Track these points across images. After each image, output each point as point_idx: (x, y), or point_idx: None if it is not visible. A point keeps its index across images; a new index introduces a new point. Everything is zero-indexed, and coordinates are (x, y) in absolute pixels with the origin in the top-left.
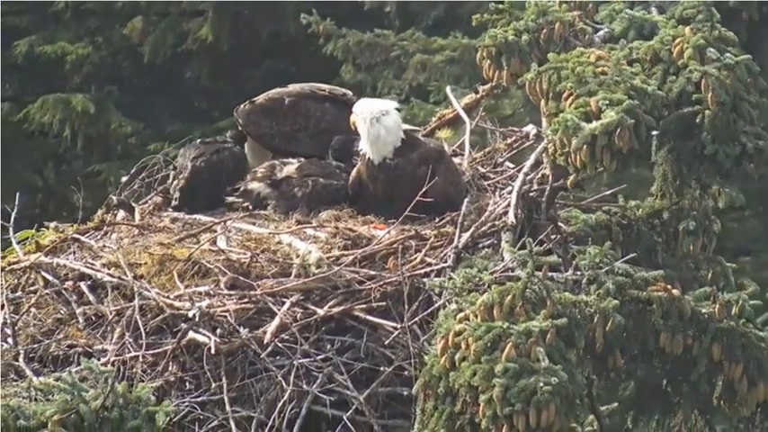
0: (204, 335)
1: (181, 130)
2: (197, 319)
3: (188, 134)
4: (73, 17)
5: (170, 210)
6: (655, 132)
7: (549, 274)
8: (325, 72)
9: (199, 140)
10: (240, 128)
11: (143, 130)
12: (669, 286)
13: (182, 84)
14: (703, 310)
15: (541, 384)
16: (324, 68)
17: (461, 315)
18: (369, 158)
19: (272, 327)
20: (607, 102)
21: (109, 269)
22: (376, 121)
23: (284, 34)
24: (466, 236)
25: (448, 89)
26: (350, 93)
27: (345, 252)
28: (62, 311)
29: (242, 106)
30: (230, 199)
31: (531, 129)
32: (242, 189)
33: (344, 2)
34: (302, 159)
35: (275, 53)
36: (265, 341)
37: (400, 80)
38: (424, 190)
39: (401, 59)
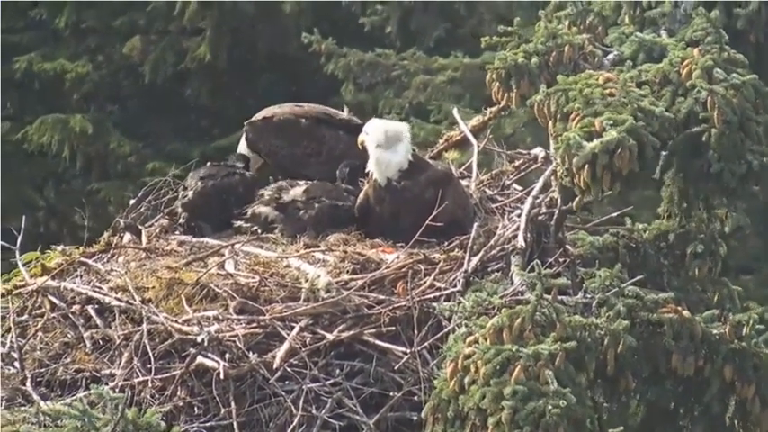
0: (213, 359)
1: (180, 149)
2: (206, 343)
3: (188, 153)
4: (72, 35)
5: (177, 231)
6: (663, 153)
7: (559, 297)
8: (326, 91)
9: (209, 163)
10: (247, 142)
11: (142, 149)
12: (679, 308)
13: (181, 102)
14: (714, 331)
15: (550, 407)
16: (324, 87)
17: (471, 338)
18: (376, 180)
19: (281, 351)
20: (611, 122)
21: (116, 293)
22: (385, 142)
23: (284, 53)
24: (475, 260)
25: (455, 111)
26: (358, 120)
27: (354, 276)
28: (69, 335)
29: (255, 120)
30: (238, 223)
31: (539, 151)
32: (250, 213)
33: (346, 22)
34: (309, 182)
35: (275, 71)
36: (274, 366)
37: (401, 99)
38: (433, 215)
39: (402, 79)
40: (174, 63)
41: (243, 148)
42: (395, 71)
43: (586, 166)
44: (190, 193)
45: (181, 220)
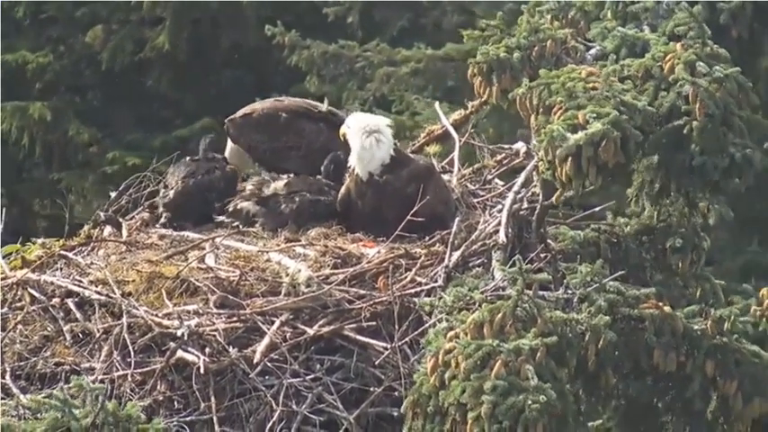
0: (193, 354)
1: (141, 139)
2: (186, 337)
3: (149, 142)
4: (32, 25)
5: (158, 226)
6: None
7: (540, 293)
8: (288, 82)
9: (189, 158)
10: (230, 138)
11: (103, 139)
12: (661, 303)
13: (143, 92)
14: (696, 327)
15: (530, 402)
16: (286, 79)
17: (452, 333)
18: (357, 174)
19: (261, 346)
20: (594, 115)
21: (96, 286)
22: (367, 136)
23: (245, 44)
24: (456, 255)
25: (437, 105)
26: (339, 112)
27: (335, 271)
28: (49, 329)
29: (236, 117)
30: (220, 218)
31: (520, 146)
32: (231, 209)
33: (308, 13)
34: (291, 175)
35: (236, 63)
36: (255, 360)
37: (364, 91)
38: (415, 209)
39: (365, 70)
40: (133, 52)
41: (227, 152)
42: (358, 62)
43: (570, 159)
44: (171, 193)
45: (162, 220)
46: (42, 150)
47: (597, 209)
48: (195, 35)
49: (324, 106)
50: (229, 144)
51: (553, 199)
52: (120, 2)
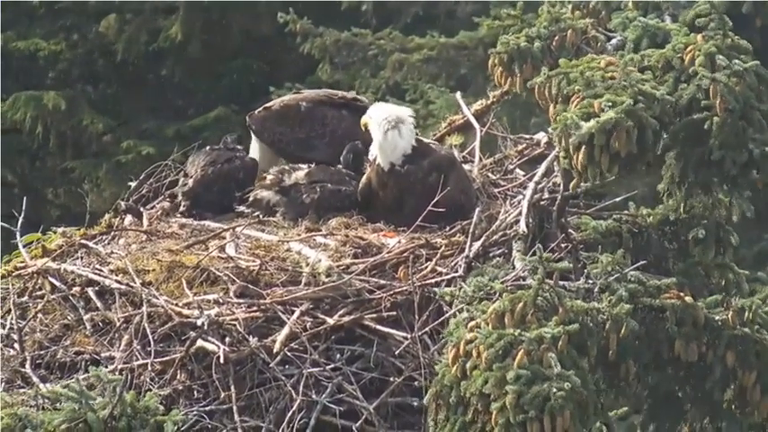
0: (213, 343)
1: (155, 128)
2: (206, 327)
3: (162, 131)
4: (47, 14)
5: (178, 215)
6: (665, 136)
7: (561, 282)
8: (301, 71)
9: (209, 147)
10: (253, 134)
11: (117, 128)
12: (682, 294)
13: (156, 81)
14: (717, 318)
15: (555, 390)
16: (298, 67)
17: (473, 323)
18: (379, 164)
19: (281, 336)
20: (610, 103)
21: (117, 275)
22: (390, 126)
23: (258, 33)
24: (477, 245)
25: (458, 95)
26: (365, 99)
27: (355, 261)
28: (69, 317)
29: (256, 112)
30: (240, 208)
31: (541, 136)
32: (252, 198)
33: (321, 1)
34: (312, 165)
35: (249, 52)
36: (275, 350)
37: (377, 79)
38: (436, 199)
39: (378, 58)
40: (147, 42)
41: (253, 151)
42: (371, 50)
43: (583, 147)
44: (190, 182)
45: (182, 209)
46: (56, 140)
47: (618, 199)
48: (207, 25)
49: (350, 94)
50: (254, 143)
51: (570, 187)
52: None
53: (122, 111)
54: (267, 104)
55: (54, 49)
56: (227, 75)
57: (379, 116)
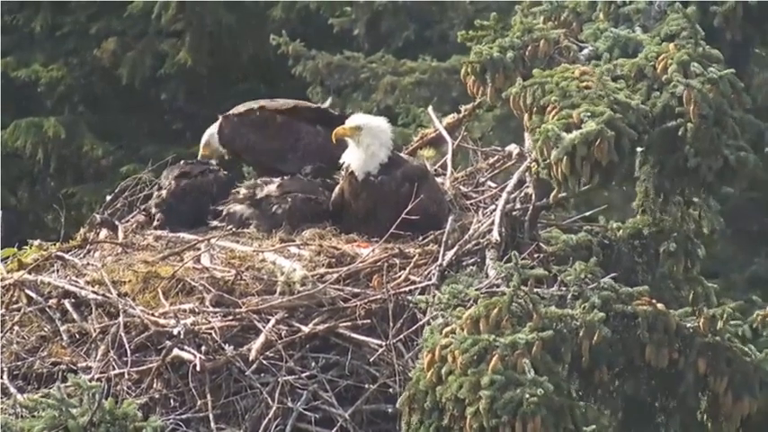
0: (189, 352)
1: (155, 151)
2: (182, 336)
3: (162, 155)
4: (48, 39)
5: (152, 228)
6: (639, 149)
7: (535, 289)
8: (296, 94)
9: (182, 162)
10: (222, 137)
11: (116, 152)
12: (654, 300)
13: (157, 105)
14: (688, 325)
15: (527, 396)
16: (300, 91)
17: (448, 329)
18: (352, 174)
19: (257, 344)
20: (589, 114)
21: (93, 287)
22: (368, 136)
23: (263, 56)
24: (450, 254)
25: (429, 108)
26: (336, 111)
27: (330, 270)
28: (46, 329)
29: (231, 115)
30: (214, 223)
31: (513, 148)
32: (224, 213)
33: (314, 23)
34: (285, 177)
35: (252, 75)
36: (250, 358)
37: (368, 102)
38: (408, 208)
39: (370, 81)
40: (152, 66)
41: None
42: (363, 73)
43: (565, 158)
44: (164, 193)
45: (156, 222)
46: (56, 165)
47: (588, 213)
48: (214, 49)
49: (322, 104)
50: (208, 131)
51: (550, 198)
52: (135, 15)
53: (121, 134)
54: (241, 110)
55: (54, 75)
56: (229, 98)
57: (358, 125)
